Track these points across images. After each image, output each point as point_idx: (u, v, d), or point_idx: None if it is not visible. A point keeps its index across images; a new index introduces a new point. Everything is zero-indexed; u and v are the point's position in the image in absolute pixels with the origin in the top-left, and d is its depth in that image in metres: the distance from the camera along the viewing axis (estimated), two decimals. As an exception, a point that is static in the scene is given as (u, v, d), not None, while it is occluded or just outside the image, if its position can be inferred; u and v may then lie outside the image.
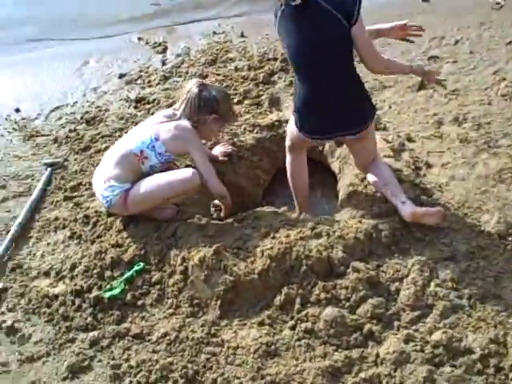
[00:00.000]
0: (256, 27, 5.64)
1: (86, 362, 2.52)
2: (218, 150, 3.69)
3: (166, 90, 4.71)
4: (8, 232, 3.36)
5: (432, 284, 2.57)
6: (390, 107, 4.05)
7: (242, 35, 5.61)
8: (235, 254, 2.75)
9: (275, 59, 4.84)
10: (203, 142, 3.52)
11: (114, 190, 2.93)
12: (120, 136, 3.97)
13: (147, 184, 2.93)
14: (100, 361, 2.52)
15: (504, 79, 4.22)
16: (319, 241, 2.72)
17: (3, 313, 2.85)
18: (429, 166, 3.36)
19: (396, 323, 2.44)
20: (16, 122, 4.66)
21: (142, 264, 2.86)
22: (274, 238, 2.79)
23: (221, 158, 3.65)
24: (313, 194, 3.82)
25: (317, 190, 3.88)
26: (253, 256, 2.70)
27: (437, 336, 2.35)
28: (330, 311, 2.46)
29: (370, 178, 3.10)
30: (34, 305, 2.85)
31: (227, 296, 2.62)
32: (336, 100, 2.83)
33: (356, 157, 3.20)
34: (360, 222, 2.88)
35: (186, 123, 3.06)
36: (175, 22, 6.24)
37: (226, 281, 2.61)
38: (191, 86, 3.06)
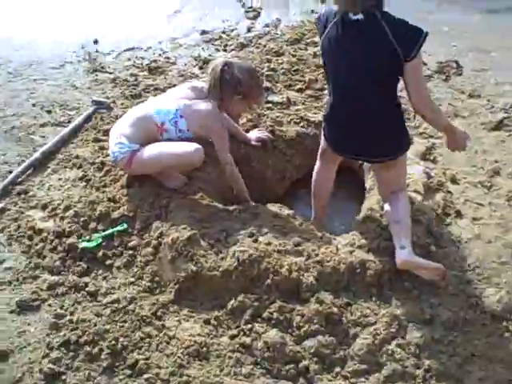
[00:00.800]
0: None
1: (37, 303, 2.58)
2: (253, 134, 3.59)
3: (237, 58, 4.60)
4: (31, 156, 3.48)
5: (393, 342, 2.37)
6: (451, 139, 3.71)
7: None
8: (211, 245, 2.68)
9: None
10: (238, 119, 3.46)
11: (123, 147, 2.94)
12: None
13: (152, 150, 2.93)
14: (50, 305, 2.57)
15: None
16: (295, 259, 2.59)
17: (-9, 233, 2.98)
18: (459, 215, 3.07)
19: (337, 369, 2.29)
20: (89, 53, 4.78)
21: (125, 225, 2.86)
22: (255, 241, 2.69)
23: (253, 143, 3.55)
24: (344, 200, 3.67)
25: (350, 200, 3.69)
26: (225, 253, 2.62)
27: (370, 398, 2.18)
28: (273, 334, 2.35)
29: (386, 209, 2.89)
30: (19, 233, 2.95)
31: (186, 284, 2.57)
32: (363, 125, 2.67)
33: (378, 183, 3.00)
34: (352, 252, 2.70)
35: (213, 108, 3.00)
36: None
37: (188, 269, 2.55)
38: (215, 65, 2.95)
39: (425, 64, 4.53)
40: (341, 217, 3.59)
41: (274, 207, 3.07)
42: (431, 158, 3.50)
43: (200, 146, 2.91)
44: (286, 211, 3.03)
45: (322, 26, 2.61)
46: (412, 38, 2.41)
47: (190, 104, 3.03)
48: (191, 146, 2.90)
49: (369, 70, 2.51)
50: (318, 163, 3.16)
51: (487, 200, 3.17)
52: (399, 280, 2.64)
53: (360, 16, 2.44)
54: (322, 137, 2.99)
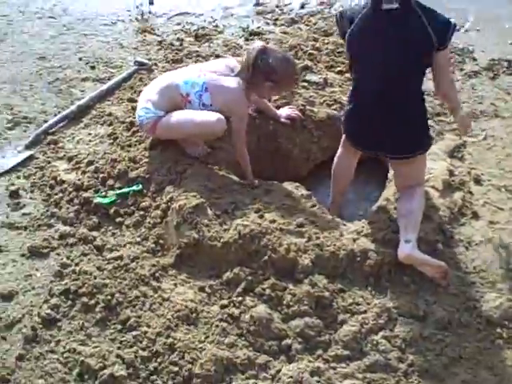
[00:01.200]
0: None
1: (46, 250, 2.73)
2: (284, 111, 3.59)
3: (285, 33, 4.59)
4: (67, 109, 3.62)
5: (380, 334, 2.38)
6: (485, 139, 3.60)
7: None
8: (217, 215, 2.73)
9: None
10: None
11: (148, 112, 3.02)
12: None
13: (175, 116, 2.99)
14: (58, 254, 2.72)
15: None
16: (296, 240, 2.62)
17: (18, 177, 3.14)
18: (475, 216, 2.99)
19: (319, 352, 2.32)
20: (142, 14, 4.86)
21: (140, 186, 2.96)
22: (261, 217, 2.73)
23: (282, 120, 3.56)
24: (368, 188, 3.64)
25: (374, 187, 3.64)
26: (229, 225, 2.67)
27: (346, 384, 2.21)
28: (261, 309, 2.39)
29: (398, 201, 2.88)
30: (43, 181, 3.11)
31: (187, 250, 2.64)
32: (389, 119, 2.66)
33: (395, 176, 2.98)
34: (355, 240, 2.70)
35: (239, 87, 3.01)
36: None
37: (191, 236, 2.63)
38: (252, 49, 2.95)
39: (475, 59, 4.38)
40: (361, 204, 3.57)
41: (290, 186, 3.07)
42: (459, 155, 3.41)
43: (223, 117, 2.95)
44: (301, 191, 3.03)
45: (348, 21, 2.58)
46: (444, 27, 2.43)
47: (218, 79, 3.05)
48: (214, 116, 2.94)
49: (404, 59, 2.50)
50: (340, 149, 3.15)
51: (508, 205, 3.08)
52: (399, 273, 2.63)
53: (395, 4, 2.42)
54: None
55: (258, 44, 2.98)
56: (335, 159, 3.18)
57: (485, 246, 2.83)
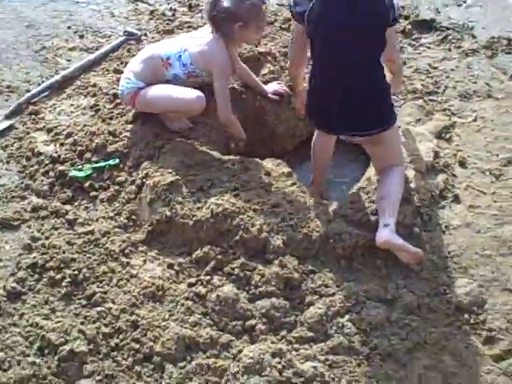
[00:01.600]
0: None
1: (17, 223, 2.73)
2: (271, 87, 3.53)
3: (281, 5, 4.46)
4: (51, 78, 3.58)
5: (346, 317, 2.36)
6: (475, 120, 3.51)
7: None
8: (192, 193, 2.70)
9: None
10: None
11: (129, 83, 2.99)
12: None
13: (154, 91, 2.95)
14: (29, 227, 2.71)
15: None
16: (269, 220, 2.59)
17: (-5, 144, 3.13)
18: (456, 200, 2.95)
19: (283, 333, 2.31)
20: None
21: (117, 160, 2.93)
22: (236, 195, 2.70)
23: (270, 96, 3.50)
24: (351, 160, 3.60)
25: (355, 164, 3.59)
26: (203, 203, 2.65)
27: (306, 366, 2.19)
28: (228, 289, 2.38)
29: (378, 183, 2.83)
30: (20, 152, 3.09)
31: (159, 227, 2.63)
32: (348, 97, 2.61)
33: (372, 158, 2.92)
34: (330, 221, 2.67)
35: (215, 39, 2.96)
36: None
37: (163, 213, 2.61)
38: (205, 2, 2.93)
39: (474, 37, 4.25)
40: (342, 183, 3.51)
41: (271, 163, 3.03)
42: (447, 136, 3.34)
43: (202, 95, 2.91)
44: (282, 169, 2.99)
45: (306, 2, 2.53)
46: (393, 3, 2.54)
47: (196, 38, 3.03)
48: (194, 93, 2.90)
49: (367, 35, 2.52)
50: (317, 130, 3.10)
51: (491, 189, 3.02)
52: (372, 257, 2.60)
53: None
54: None
55: None
56: (313, 138, 3.12)
57: (462, 230, 2.80)
